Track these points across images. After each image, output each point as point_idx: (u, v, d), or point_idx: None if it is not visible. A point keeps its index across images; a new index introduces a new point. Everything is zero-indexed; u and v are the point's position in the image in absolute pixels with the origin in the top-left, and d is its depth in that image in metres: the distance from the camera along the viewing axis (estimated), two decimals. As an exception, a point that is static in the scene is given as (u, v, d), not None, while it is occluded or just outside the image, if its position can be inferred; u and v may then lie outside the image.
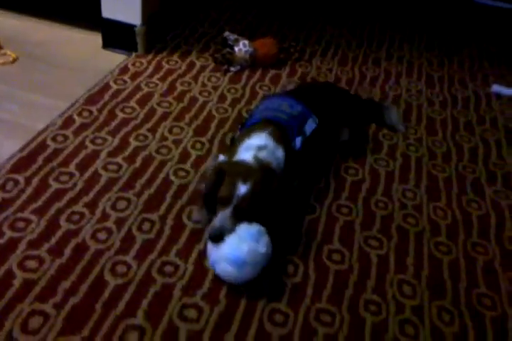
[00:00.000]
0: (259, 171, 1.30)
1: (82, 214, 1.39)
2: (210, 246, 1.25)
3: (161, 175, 1.57)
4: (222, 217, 1.25)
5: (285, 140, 1.46)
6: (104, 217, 1.40)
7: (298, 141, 1.50)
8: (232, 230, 1.23)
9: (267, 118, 1.51)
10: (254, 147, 1.38)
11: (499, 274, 1.46)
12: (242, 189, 1.26)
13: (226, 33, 2.18)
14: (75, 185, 1.47)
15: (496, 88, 2.36)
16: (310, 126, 1.56)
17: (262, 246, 1.22)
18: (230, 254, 1.19)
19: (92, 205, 1.42)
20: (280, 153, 1.42)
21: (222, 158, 1.44)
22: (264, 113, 1.56)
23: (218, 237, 1.22)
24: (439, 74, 2.43)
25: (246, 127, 1.53)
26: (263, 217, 1.30)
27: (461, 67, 2.52)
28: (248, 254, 1.19)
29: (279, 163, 1.41)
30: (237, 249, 1.20)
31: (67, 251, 1.29)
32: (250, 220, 1.27)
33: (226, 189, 1.27)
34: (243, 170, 1.29)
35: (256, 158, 1.34)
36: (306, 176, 1.64)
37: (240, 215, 1.26)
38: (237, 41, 2.14)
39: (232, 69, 2.14)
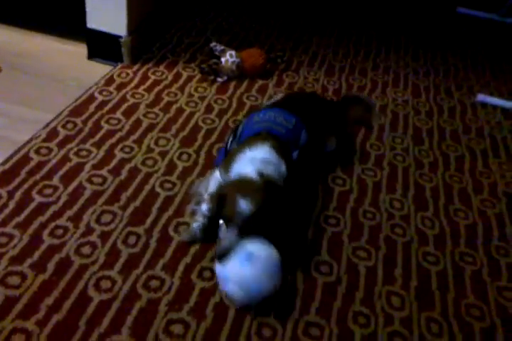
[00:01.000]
0: (263, 188, 1.26)
1: (65, 229, 1.36)
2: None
3: (147, 187, 1.55)
4: (229, 236, 1.22)
5: (286, 154, 1.43)
6: (89, 230, 1.37)
7: (295, 154, 1.49)
8: (237, 247, 1.21)
9: (265, 129, 1.47)
10: (258, 160, 1.35)
11: (487, 284, 1.46)
12: (244, 207, 1.22)
13: (213, 44, 2.18)
14: (58, 198, 1.45)
15: (481, 97, 2.38)
16: (304, 138, 1.55)
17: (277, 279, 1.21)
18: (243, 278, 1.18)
19: (76, 219, 1.40)
20: (283, 168, 1.39)
21: (217, 172, 1.43)
22: (262, 124, 1.51)
23: (224, 257, 1.20)
24: (425, 84, 2.45)
25: (244, 137, 1.49)
26: (269, 233, 1.27)
27: (446, 77, 2.55)
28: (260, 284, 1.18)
29: (281, 178, 1.37)
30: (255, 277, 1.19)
31: (51, 266, 1.26)
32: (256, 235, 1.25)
33: (229, 209, 1.24)
34: (245, 188, 1.26)
35: (259, 172, 1.31)
36: (304, 190, 1.64)
37: (246, 232, 1.23)
38: (223, 52, 2.14)
39: (219, 79, 2.14)
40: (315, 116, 1.69)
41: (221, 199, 1.26)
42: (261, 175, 1.30)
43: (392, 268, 1.45)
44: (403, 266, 1.46)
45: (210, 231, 1.40)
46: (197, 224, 1.41)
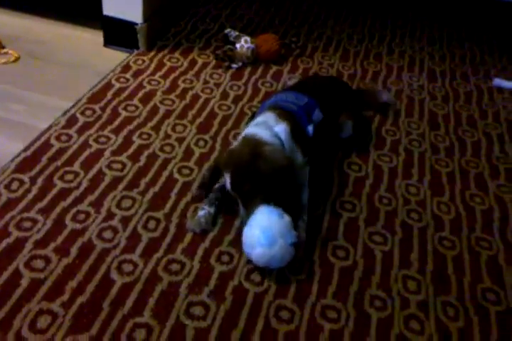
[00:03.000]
0: (243, 151, 1.33)
1: (87, 213, 1.40)
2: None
3: (165, 173, 1.57)
4: (241, 211, 1.34)
5: (293, 121, 1.46)
6: (110, 215, 1.40)
7: (310, 128, 1.51)
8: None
9: (271, 104, 1.54)
10: (254, 123, 1.42)
11: (503, 269, 1.46)
12: (227, 182, 1.32)
13: (227, 30, 2.18)
14: (79, 184, 1.48)
15: (497, 82, 2.36)
16: (317, 115, 1.57)
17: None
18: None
19: (97, 204, 1.43)
20: (280, 128, 1.42)
21: None
22: (272, 104, 1.57)
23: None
24: (440, 68, 2.42)
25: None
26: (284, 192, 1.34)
27: (462, 61, 2.52)
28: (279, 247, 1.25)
29: (277, 137, 1.39)
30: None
31: (74, 250, 1.29)
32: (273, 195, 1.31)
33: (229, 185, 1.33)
34: (229, 160, 1.34)
35: (244, 137, 1.38)
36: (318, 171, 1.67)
37: (253, 199, 1.30)
38: (238, 38, 2.13)
39: (233, 66, 2.14)
40: (330, 98, 1.69)
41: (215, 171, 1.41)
42: (245, 139, 1.37)
43: (408, 252, 1.46)
44: (419, 251, 1.47)
45: (217, 219, 1.44)
46: (203, 211, 1.42)
